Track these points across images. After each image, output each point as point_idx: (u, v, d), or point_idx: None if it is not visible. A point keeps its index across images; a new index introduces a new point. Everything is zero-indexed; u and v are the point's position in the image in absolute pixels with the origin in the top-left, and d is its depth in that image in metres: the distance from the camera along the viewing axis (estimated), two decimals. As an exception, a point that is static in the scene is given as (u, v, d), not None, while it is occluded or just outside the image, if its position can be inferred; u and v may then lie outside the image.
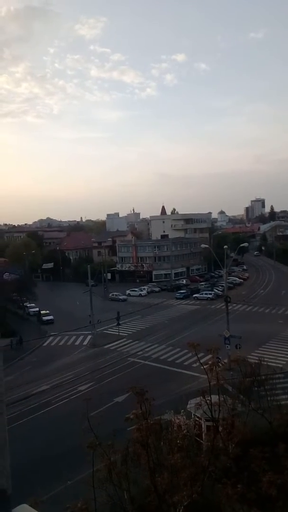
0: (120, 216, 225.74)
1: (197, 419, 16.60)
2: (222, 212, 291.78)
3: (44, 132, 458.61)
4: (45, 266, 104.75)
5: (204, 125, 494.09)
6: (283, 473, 6.98)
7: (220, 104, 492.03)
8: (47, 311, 61.15)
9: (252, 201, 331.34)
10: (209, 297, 70.08)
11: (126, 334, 49.56)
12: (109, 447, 9.02)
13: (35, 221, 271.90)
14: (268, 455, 7.84)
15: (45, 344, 48.49)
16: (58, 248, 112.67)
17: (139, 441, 8.26)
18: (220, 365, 9.79)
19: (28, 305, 66.60)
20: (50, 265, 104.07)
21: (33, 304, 67.23)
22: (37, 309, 63.54)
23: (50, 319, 59.24)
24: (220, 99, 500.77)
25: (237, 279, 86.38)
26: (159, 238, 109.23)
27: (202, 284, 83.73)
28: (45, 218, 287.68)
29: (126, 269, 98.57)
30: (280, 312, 57.15)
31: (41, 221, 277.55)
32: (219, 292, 71.02)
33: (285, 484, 6.90)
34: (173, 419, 15.84)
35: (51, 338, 50.26)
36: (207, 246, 59.39)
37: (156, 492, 7.93)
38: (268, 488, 6.61)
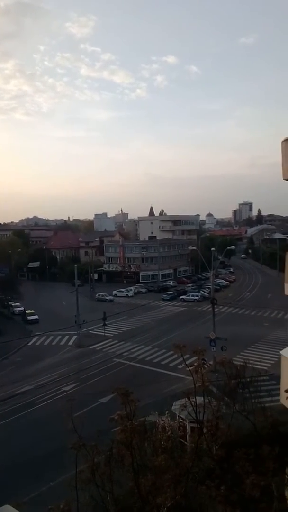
0: (108, 216, 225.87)
1: (182, 420, 16.63)
2: (210, 215, 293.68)
3: (32, 130, 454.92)
4: (31, 265, 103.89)
5: (194, 128, 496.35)
6: (267, 475, 7.01)
7: (211, 107, 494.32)
8: (32, 311, 60.58)
9: (240, 204, 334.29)
10: (195, 299, 70.35)
11: (112, 335, 49.41)
12: (92, 448, 8.95)
13: (22, 220, 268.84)
14: (252, 457, 7.86)
15: (29, 343, 48.03)
16: (44, 247, 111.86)
17: (123, 442, 8.21)
18: (206, 367, 9.80)
19: (13, 304, 65.90)
20: (36, 264, 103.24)
21: (18, 304, 66.58)
22: (22, 308, 62.92)
23: (35, 319, 58.70)
24: (211, 102, 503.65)
25: (224, 281, 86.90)
26: (147, 239, 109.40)
27: (189, 286, 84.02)
28: (32, 217, 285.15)
29: (113, 269, 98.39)
30: (266, 315, 57.63)
31: (27, 219, 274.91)
32: (205, 294, 71.33)
33: (268, 486, 6.93)
34: (157, 421, 15.85)
35: (35, 338, 49.83)
36: (194, 248, 59.63)
37: (140, 493, 7.89)
38: (251, 490, 6.63)
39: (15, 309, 64.40)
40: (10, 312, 64.55)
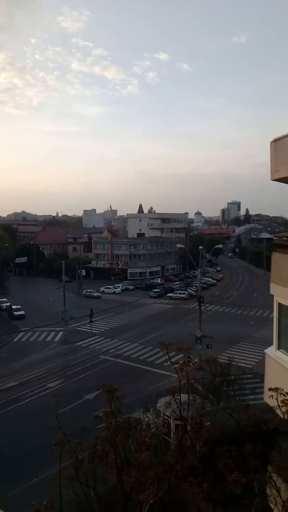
0: (97, 212, 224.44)
1: (166, 417, 16.72)
2: (198, 213, 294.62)
3: (22, 124, 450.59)
4: (18, 260, 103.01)
5: (184, 125, 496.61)
6: (249, 472, 7.10)
7: (202, 105, 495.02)
8: (19, 306, 60.07)
9: (228, 203, 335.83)
10: (182, 297, 70.67)
11: (98, 332, 49.39)
12: (77, 445, 8.94)
13: (9, 214, 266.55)
14: (235, 454, 7.95)
15: (15, 339, 47.72)
16: (32, 242, 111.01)
17: (107, 439, 8.23)
18: (191, 364, 9.86)
19: (14, 307, 63.55)
20: (24, 259, 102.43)
21: (4, 299, 65.84)
22: (9, 304, 62.24)
23: (22, 314, 58.30)
24: (202, 101, 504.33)
25: (211, 279, 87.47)
26: (136, 236, 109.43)
27: (177, 284, 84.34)
28: (20, 211, 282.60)
29: (101, 266, 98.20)
30: (251, 314, 58.19)
31: (15, 214, 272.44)
32: (192, 292, 71.72)
33: (250, 483, 7.02)
34: (142, 418, 15.88)
35: (22, 333, 49.52)
36: (182, 246, 59.78)
37: (123, 490, 7.92)
38: (233, 487, 6.70)
39: (2, 304, 63.63)
40: (10, 314, 62.21)
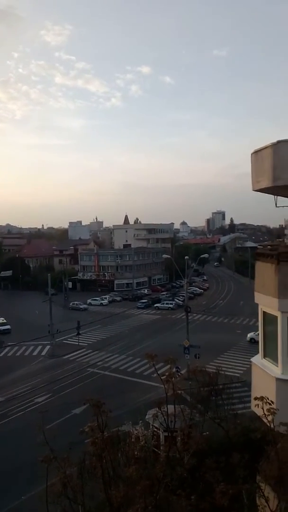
0: (82, 224, 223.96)
1: (156, 429, 16.60)
2: (184, 223, 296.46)
3: (5, 137, 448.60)
4: (3, 274, 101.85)
5: (168, 137, 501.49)
6: (237, 482, 7.10)
7: (184, 117, 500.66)
8: (4, 320, 59.11)
9: (213, 213, 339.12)
10: (170, 307, 70.67)
11: (86, 344, 48.97)
12: (64, 461, 8.82)
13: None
14: (223, 465, 7.95)
15: (1, 354, 46.97)
16: (17, 255, 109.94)
17: (94, 454, 8.15)
18: (178, 375, 9.86)
19: None
20: (9, 273, 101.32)
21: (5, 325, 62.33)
22: (8, 327, 58.03)
23: (7, 329, 57.45)
24: (184, 112, 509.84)
25: (198, 289, 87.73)
26: (122, 247, 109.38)
27: (164, 294, 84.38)
28: (4, 225, 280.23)
29: (88, 278, 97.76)
30: (238, 322, 58.47)
31: (0, 227, 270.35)
32: (180, 302, 71.78)
33: (238, 493, 7.02)
34: (131, 430, 15.75)
35: (7, 348, 48.77)
36: (168, 256, 60.11)
37: (111, 505, 7.83)
38: (220, 499, 6.69)
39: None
40: None
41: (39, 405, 30.07)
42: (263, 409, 7.42)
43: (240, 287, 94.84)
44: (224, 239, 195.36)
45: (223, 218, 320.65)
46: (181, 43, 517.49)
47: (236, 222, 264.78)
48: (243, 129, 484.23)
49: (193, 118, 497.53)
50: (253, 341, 46.35)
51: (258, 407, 7.58)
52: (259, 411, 7.72)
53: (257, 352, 11.28)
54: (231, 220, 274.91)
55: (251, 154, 10.67)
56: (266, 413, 7.36)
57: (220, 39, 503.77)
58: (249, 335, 48.01)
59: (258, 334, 44.48)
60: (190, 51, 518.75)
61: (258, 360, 10.92)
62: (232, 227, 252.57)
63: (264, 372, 10.08)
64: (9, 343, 50.02)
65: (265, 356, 10.60)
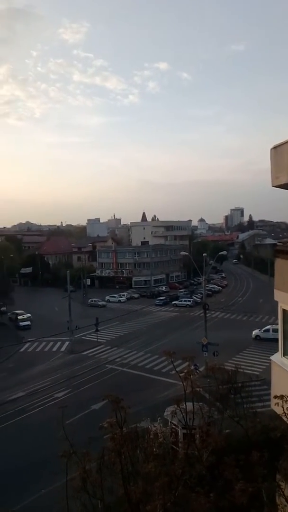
0: (100, 221, 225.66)
1: (174, 426, 16.61)
2: (202, 220, 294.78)
3: (25, 135, 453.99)
4: (23, 270, 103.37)
5: (186, 133, 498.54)
6: (256, 481, 7.05)
7: (202, 113, 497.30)
8: (29, 315, 60.09)
9: (231, 209, 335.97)
10: (188, 304, 70.46)
11: (104, 341, 49.29)
12: (84, 456, 8.92)
13: (14, 225, 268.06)
14: (242, 463, 7.90)
15: (21, 350, 47.72)
16: (37, 252, 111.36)
17: (113, 450, 8.21)
18: (196, 373, 9.83)
19: (19, 317, 60.82)
20: (29, 269, 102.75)
21: (21, 311, 63.31)
22: (29, 323, 59.13)
23: (27, 325, 58.37)
24: (202, 109, 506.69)
25: (216, 286, 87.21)
26: (139, 244, 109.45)
27: (181, 291, 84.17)
28: (24, 222, 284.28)
29: (106, 275, 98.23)
30: (257, 320, 57.87)
31: (20, 224, 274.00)
32: (198, 299, 71.47)
33: (257, 492, 6.97)
34: (149, 427, 15.79)
35: (28, 344, 49.52)
36: (186, 253, 59.82)
37: (129, 501, 7.88)
38: (240, 497, 6.66)
39: (20, 323, 59.35)
40: (15, 325, 59.92)
41: (59, 400, 30.42)
42: (283, 407, 7.35)
43: (259, 285, 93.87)
44: (242, 236, 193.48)
45: (242, 215, 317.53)
46: (198, 38, 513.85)
47: (255, 218, 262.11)
48: (262, 124, 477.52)
49: (211, 114, 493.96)
50: (258, 338, 45.86)
51: (278, 405, 7.50)
52: (279, 410, 7.64)
53: (272, 350, 11.17)
54: (250, 216, 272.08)
55: (271, 150, 10.51)
56: (286, 411, 7.29)
57: (237, 34, 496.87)
58: (254, 332, 47.48)
59: (263, 331, 44.17)
60: (208, 47, 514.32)
61: (277, 358, 10.80)
62: (251, 224, 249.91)
63: (284, 370, 9.96)
64: (29, 339, 50.77)
65: (284, 354, 10.47)
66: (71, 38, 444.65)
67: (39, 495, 18.39)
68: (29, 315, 61.85)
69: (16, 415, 29.12)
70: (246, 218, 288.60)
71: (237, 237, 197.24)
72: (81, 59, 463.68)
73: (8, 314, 62.93)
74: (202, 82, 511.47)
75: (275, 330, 45.43)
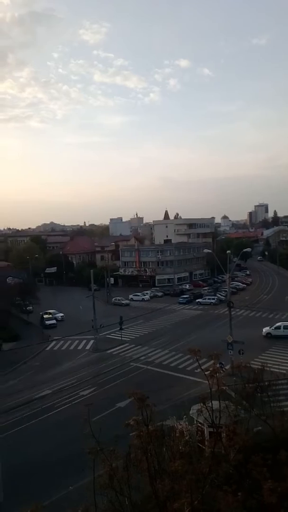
0: (123, 220, 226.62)
1: (200, 425, 16.53)
2: (225, 217, 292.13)
3: (47, 137, 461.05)
4: (48, 270, 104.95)
5: (207, 130, 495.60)
6: (285, 480, 6.94)
7: (224, 109, 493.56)
8: (62, 314, 62.44)
9: (255, 206, 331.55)
10: (212, 302, 69.94)
11: (128, 339, 49.50)
12: (110, 453, 8.99)
13: (39, 226, 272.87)
14: (270, 462, 7.79)
15: (47, 348, 48.49)
16: (61, 252, 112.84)
17: (139, 447, 8.24)
18: (222, 371, 9.75)
19: (45, 317, 61.60)
20: (53, 269, 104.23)
21: (54, 310, 64.42)
22: (54, 321, 60.34)
23: (53, 323, 59.31)
24: (224, 104, 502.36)
25: (240, 284, 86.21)
26: (162, 242, 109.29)
27: (205, 289, 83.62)
28: (48, 223, 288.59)
29: (129, 273, 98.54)
30: (283, 318, 56.78)
31: (44, 225, 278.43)
32: (222, 297, 70.86)
33: (287, 492, 6.86)
34: (175, 425, 15.77)
35: (54, 342, 50.27)
36: (210, 251, 59.35)
37: (157, 498, 7.90)
38: (268, 496, 6.57)
39: (46, 322, 59.98)
40: (42, 324, 60.43)
41: (84, 398, 30.76)
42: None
43: (284, 282, 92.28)
44: (267, 232, 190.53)
45: (266, 211, 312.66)
46: (219, 33, 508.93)
47: (280, 214, 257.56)
48: (285, 119, 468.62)
49: (232, 110, 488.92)
50: (269, 336, 44.83)
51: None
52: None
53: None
54: (275, 212, 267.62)
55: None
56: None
57: (258, 27, 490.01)
58: (265, 329, 46.33)
59: (274, 328, 43.32)
60: (229, 42, 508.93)
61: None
62: (276, 220, 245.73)
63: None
64: (55, 337, 51.51)
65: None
66: (91, 39, 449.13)
67: (67, 491, 18.62)
68: (62, 314, 63.11)
69: (43, 413, 29.61)
70: (270, 214, 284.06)
71: (262, 234, 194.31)
72: (101, 59, 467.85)
73: (41, 313, 63.82)
74: (224, 77, 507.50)
75: (287, 327, 45.08)
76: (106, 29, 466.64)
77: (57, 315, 63.31)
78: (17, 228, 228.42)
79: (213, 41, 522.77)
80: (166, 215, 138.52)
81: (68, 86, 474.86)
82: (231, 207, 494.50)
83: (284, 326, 45.82)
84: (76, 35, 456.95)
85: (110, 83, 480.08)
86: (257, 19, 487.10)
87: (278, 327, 45.64)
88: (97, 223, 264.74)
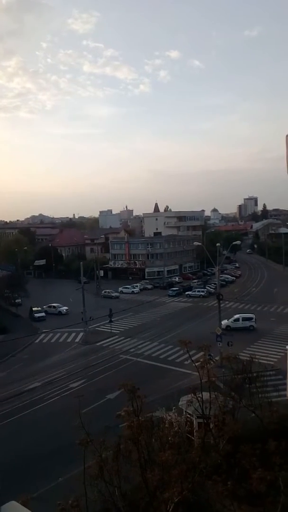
0: (113, 213, 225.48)
1: (189, 416, 16.68)
2: (215, 210, 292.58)
3: (36, 128, 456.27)
4: (37, 262, 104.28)
5: (198, 122, 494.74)
6: (273, 469, 7.03)
7: (215, 102, 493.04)
8: (66, 308, 61.29)
9: (245, 199, 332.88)
10: (201, 295, 70.29)
11: (118, 331, 49.57)
12: (100, 444, 9.02)
13: (27, 218, 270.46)
14: (259, 452, 7.89)
15: (37, 341, 48.31)
16: (50, 244, 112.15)
17: (130, 438, 8.27)
18: (212, 362, 9.81)
19: (34, 309, 60.89)
20: (42, 261, 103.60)
21: (58, 304, 63.49)
22: (43, 314, 59.81)
23: (42, 316, 59.03)
24: (214, 97, 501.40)
25: (230, 276, 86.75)
26: (152, 235, 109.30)
27: (195, 282, 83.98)
28: (37, 215, 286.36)
29: (119, 266, 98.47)
30: (272, 310, 57.49)
31: (33, 217, 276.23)
32: (211, 289, 71.26)
33: (275, 480, 6.96)
34: (164, 416, 15.89)
35: (43, 335, 50.10)
36: (199, 243, 59.55)
37: (147, 488, 7.95)
38: (257, 485, 6.65)
39: (35, 315, 59.58)
40: (31, 317, 60.01)
41: (74, 390, 30.78)
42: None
43: (273, 274, 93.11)
44: (256, 225, 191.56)
45: (256, 204, 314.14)
46: (210, 25, 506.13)
47: (269, 207, 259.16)
48: (277, 112, 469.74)
49: (223, 103, 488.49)
50: (229, 329, 44.54)
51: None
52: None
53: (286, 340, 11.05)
54: (264, 206, 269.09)
55: (286, 136, 10.34)
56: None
57: (250, 19, 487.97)
58: (224, 322, 45.59)
59: (233, 321, 43.66)
60: (220, 33, 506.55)
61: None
62: (265, 213, 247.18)
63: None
64: (44, 330, 51.34)
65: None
66: (80, 29, 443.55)
67: (56, 483, 18.68)
68: (66, 307, 62.23)
69: (32, 405, 29.57)
70: (260, 207, 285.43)
71: (251, 227, 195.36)
72: (91, 50, 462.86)
73: (44, 307, 62.74)
74: (215, 70, 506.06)
75: (245, 319, 45.87)
76: (95, 19, 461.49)
77: (61, 308, 62.44)
78: (5, 220, 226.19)
79: (204, 32, 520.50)
80: (156, 208, 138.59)
81: (57, 77, 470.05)
82: (220, 200, 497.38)
83: (242, 318, 46.63)
84: (65, 25, 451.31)
85: (100, 74, 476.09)
86: (248, 11, 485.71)
87: (237, 320, 46.36)
88: (86, 215, 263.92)
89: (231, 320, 46.62)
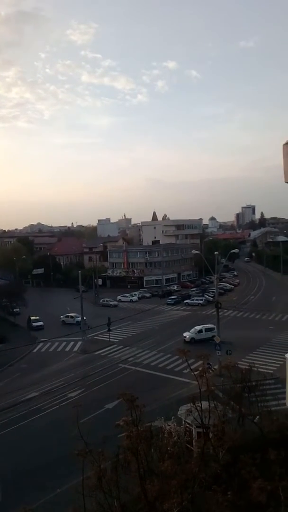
0: (111, 221, 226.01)
1: (188, 425, 16.57)
2: (213, 218, 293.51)
3: (35, 137, 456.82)
4: (35, 271, 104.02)
5: (196, 132, 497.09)
6: (273, 479, 6.98)
7: (212, 111, 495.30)
8: (37, 317, 60.02)
9: (242, 207, 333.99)
10: (200, 303, 70.21)
11: (117, 340, 49.37)
12: (99, 455, 8.94)
13: (26, 226, 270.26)
14: (258, 461, 7.84)
15: (35, 350, 48.04)
16: (48, 253, 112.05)
17: (129, 448, 8.21)
18: (211, 371, 9.78)
19: (33, 318, 60.19)
20: (41, 270, 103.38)
21: (75, 319, 59.65)
22: (41, 323, 59.06)
23: (40, 325, 58.68)
24: (212, 106, 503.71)
25: (228, 285, 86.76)
26: (150, 244, 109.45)
27: (193, 290, 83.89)
28: (35, 223, 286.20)
29: (117, 274, 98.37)
30: (270, 318, 57.42)
31: (31, 226, 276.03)
32: (210, 298, 71.15)
33: (275, 490, 6.90)
34: (163, 426, 15.79)
35: (41, 344, 49.81)
36: (198, 252, 59.58)
37: (146, 499, 7.88)
38: (257, 495, 6.60)
39: (33, 324, 58.96)
40: (28, 325, 59.44)
41: (72, 400, 30.51)
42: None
43: (272, 282, 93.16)
44: (254, 233, 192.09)
45: (253, 213, 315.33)
46: (207, 35, 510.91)
47: (266, 216, 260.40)
48: (274, 121, 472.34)
49: (221, 112, 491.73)
50: (193, 341, 44.29)
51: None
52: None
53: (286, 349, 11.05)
54: (262, 214, 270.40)
55: (283, 146, 10.44)
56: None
57: (247, 30, 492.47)
58: (187, 334, 45.74)
59: (197, 332, 43.30)
60: (217, 44, 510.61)
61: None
62: (263, 222, 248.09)
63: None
64: (42, 339, 51.07)
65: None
66: (79, 39, 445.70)
67: (55, 494, 18.48)
68: (79, 318, 55.46)
69: (30, 415, 29.32)
70: (257, 216, 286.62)
71: (249, 235, 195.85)
72: (89, 60, 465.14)
73: (62, 316, 61.64)
74: (212, 80, 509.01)
75: (208, 330, 45.31)
76: (94, 30, 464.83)
77: (78, 318, 60.03)
78: (3, 229, 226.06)
79: (201, 43, 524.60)
80: (154, 216, 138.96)
81: (55, 87, 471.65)
82: (218, 209, 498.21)
83: (205, 329, 45.91)
84: (63, 35, 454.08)
85: (98, 84, 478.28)
86: (245, 22, 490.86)
87: (200, 331, 45.62)
88: (85, 224, 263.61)
89: (194, 332, 46.07)
